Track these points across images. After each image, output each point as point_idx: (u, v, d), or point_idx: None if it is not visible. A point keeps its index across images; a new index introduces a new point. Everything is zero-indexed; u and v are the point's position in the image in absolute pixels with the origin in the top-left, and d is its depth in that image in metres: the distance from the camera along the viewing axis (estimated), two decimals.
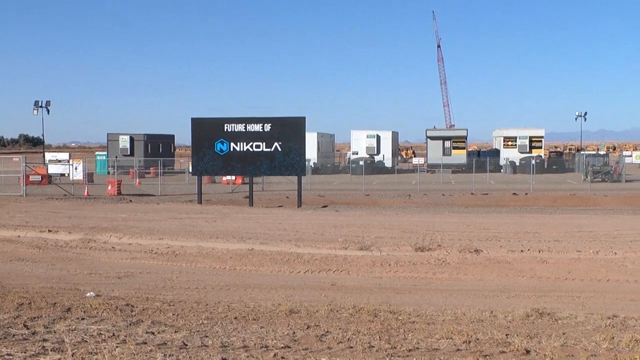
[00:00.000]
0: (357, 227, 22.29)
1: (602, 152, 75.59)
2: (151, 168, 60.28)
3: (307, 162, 42.36)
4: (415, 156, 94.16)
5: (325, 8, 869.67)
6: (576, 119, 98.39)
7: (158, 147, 71.24)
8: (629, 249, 17.04)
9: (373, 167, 65.15)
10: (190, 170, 40.11)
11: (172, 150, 77.43)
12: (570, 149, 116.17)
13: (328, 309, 10.27)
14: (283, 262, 16.52)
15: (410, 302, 11.95)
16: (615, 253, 16.55)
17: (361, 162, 61.51)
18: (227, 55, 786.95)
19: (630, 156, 78.74)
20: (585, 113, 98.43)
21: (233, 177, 48.03)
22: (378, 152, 70.08)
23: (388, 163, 69.34)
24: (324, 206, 36.67)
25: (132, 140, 68.72)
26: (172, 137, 77.99)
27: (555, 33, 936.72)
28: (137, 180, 51.88)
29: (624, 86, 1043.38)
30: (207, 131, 34.52)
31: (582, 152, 75.24)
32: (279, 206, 35.76)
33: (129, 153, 66.80)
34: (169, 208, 31.99)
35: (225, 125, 34.22)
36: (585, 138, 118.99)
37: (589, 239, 19.14)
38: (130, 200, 37.75)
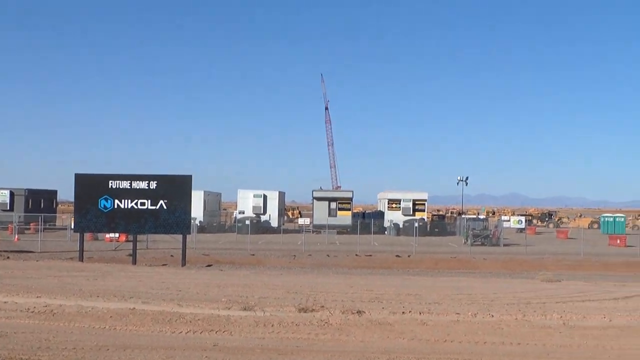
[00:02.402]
0: (241, 287, 22.21)
1: (482, 216, 77.86)
2: (31, 224, 58.65)
3: (193, 221, 42.07)
4: (301, 216, 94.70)
5: (212, 64, 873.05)
6: (458, 183, 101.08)
7: (39, 202, 69.57)
8: (506, 312, 17.52)
9: (259, 226, 65.30)
10: (73, 227, 39.26)
11: (54, 206, 75.73)
12: (452, 213, 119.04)
13: None
14: (165, 322, 16.28)
15: None
16: (493, 316, 16.98)
17: (247, 222, 61.58)
18: (112, 111, 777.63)
19: (508, 221, 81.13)
20: (467, 178, 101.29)
21: (117, 235, 47.25)
22: (264, 212, 70.29)
23: (274, 223, 69.57)
24: (209, 265, 36.42)
25: (12, 194, 66.95)
26: (54, 192, 76.31)
27: (438, 100, 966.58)
28: (16, 236, 50.40)
29: (503, 153, 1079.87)
30: (90, 187, 33.92)
31: (463, 216, 77.25)
32: (163, 265, 35.30)
33: (8, 208, 65.02)
34: (48, 265, 31.13)
35: (110, 181, 33.74)
36: (467, 202, 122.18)
37: (468, 301, 19.59)
38: (8, 257, 36.61)
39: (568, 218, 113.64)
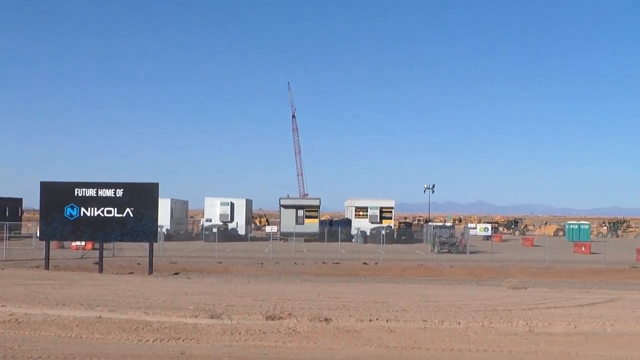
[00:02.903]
0: (209, 295, 22.14)
1: (448, 224, 78.23)
2: None
3: (159, 229, 41.86)
4: (268, 224, 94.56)
5: (177, 72, 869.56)
6: (425, 191, 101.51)
7: (4, 210, 69.03)
8: (472, 319, 17.61)
9: (226, 234, 65.21)
10: (38, 235, 38.85)
11: (20, 214, 75.15)
12: (419, 220, 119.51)
13: None
14: (131, 330, 16.19)
15: None
16: (459, 323, 17.06)
17: (214, 229, 61.45)
18: (77, 120, 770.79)
19: (475, 228, 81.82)
20: (434, 185, 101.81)
21: (83, 243, 46.86)
22: (232, 220, 70.15)
23: (241, 230, 69.46)
24: (176, 273, 36.25)
25: None
26: (19, 200, 75.78)
27: (405, 108, 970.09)
28: None
29: (469, 161, 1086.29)
30: (56, 195, 33.64)
31: (430, 224, 77.57)
32: (130, 273, 35.09)
33: None
34: (14, 274, 30.82)
35: (76, 189, 33.49)
36: (433, 209, 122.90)
37: (435, 308, 19.67)
38: None
39: (534, 225, 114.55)
